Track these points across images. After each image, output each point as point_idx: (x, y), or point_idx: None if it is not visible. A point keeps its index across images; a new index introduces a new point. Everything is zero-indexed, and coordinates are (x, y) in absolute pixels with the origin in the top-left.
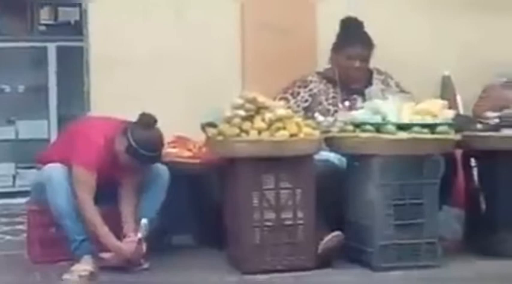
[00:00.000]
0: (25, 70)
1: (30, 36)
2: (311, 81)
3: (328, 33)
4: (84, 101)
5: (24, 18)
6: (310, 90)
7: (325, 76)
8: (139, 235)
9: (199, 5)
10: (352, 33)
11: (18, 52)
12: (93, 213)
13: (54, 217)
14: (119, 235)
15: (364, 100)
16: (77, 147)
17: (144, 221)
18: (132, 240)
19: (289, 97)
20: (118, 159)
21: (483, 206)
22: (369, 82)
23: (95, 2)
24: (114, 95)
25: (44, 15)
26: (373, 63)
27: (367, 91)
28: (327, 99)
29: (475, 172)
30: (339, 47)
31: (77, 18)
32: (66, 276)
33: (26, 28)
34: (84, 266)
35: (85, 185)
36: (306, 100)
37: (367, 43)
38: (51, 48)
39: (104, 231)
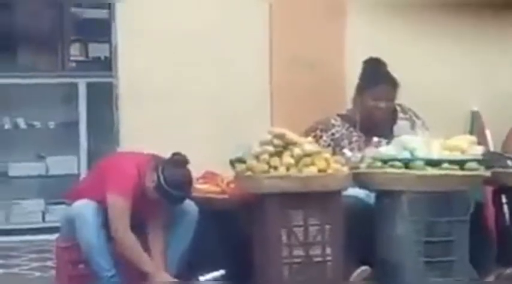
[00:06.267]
0: (55, 106)
1: (60, 72)
2: (333, 125)
3: (356, 68)
4: (114, 137)
5: (55, 55)
6: (333, 134)
7: (348, 119)
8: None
9: (226, 40)
10: (376, 74)
11: (49, 88)
12: (132, 239)
13: (83, 253)
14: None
15: (388, 142)
16: (110, 178)
17: None
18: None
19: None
20: (147, 194)
21: None
22: (394, 123)
23: (124, 38)
24: (143, 131)
25: (75, 51)
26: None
27: (395, 127)
28: (349, 143)
29: (506, 209)
30: (363, 88)
31: (107, 54)
32: None
33: (57, 64)
34: None
35: (122, 212)
36: (329, 145)
37: (391, 83)
38: (82, 84)
39: (144, 257)
